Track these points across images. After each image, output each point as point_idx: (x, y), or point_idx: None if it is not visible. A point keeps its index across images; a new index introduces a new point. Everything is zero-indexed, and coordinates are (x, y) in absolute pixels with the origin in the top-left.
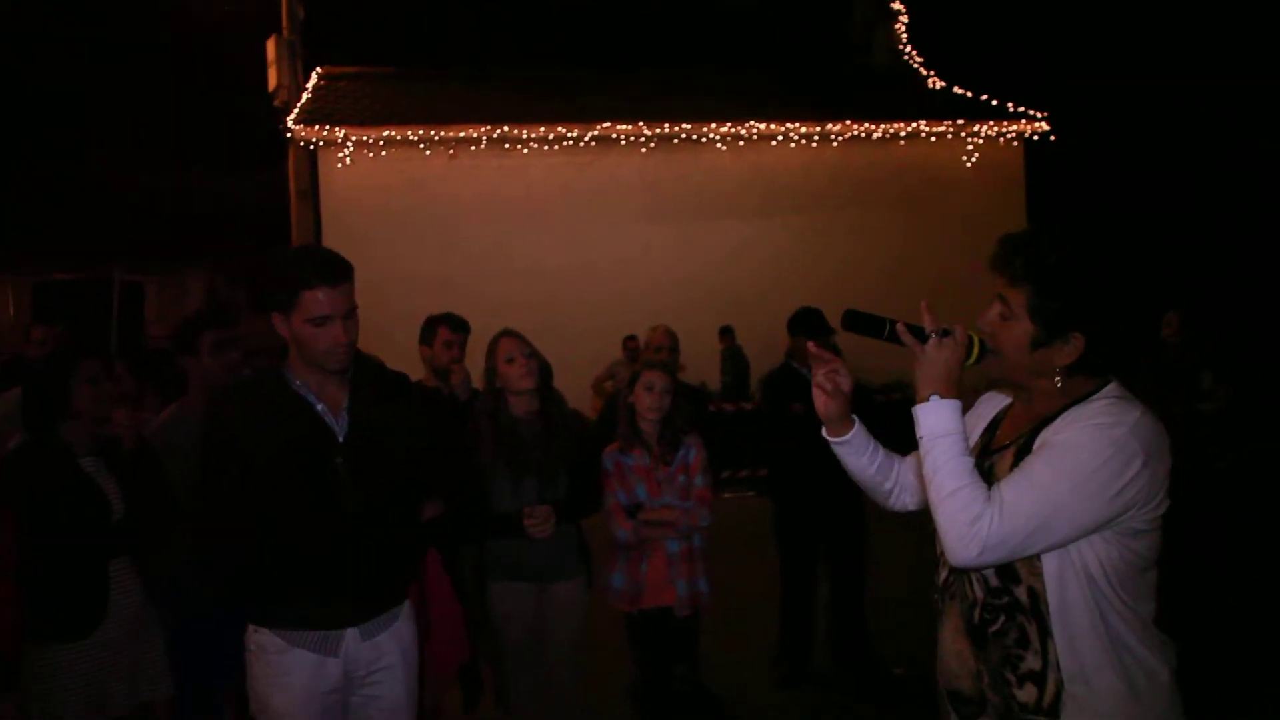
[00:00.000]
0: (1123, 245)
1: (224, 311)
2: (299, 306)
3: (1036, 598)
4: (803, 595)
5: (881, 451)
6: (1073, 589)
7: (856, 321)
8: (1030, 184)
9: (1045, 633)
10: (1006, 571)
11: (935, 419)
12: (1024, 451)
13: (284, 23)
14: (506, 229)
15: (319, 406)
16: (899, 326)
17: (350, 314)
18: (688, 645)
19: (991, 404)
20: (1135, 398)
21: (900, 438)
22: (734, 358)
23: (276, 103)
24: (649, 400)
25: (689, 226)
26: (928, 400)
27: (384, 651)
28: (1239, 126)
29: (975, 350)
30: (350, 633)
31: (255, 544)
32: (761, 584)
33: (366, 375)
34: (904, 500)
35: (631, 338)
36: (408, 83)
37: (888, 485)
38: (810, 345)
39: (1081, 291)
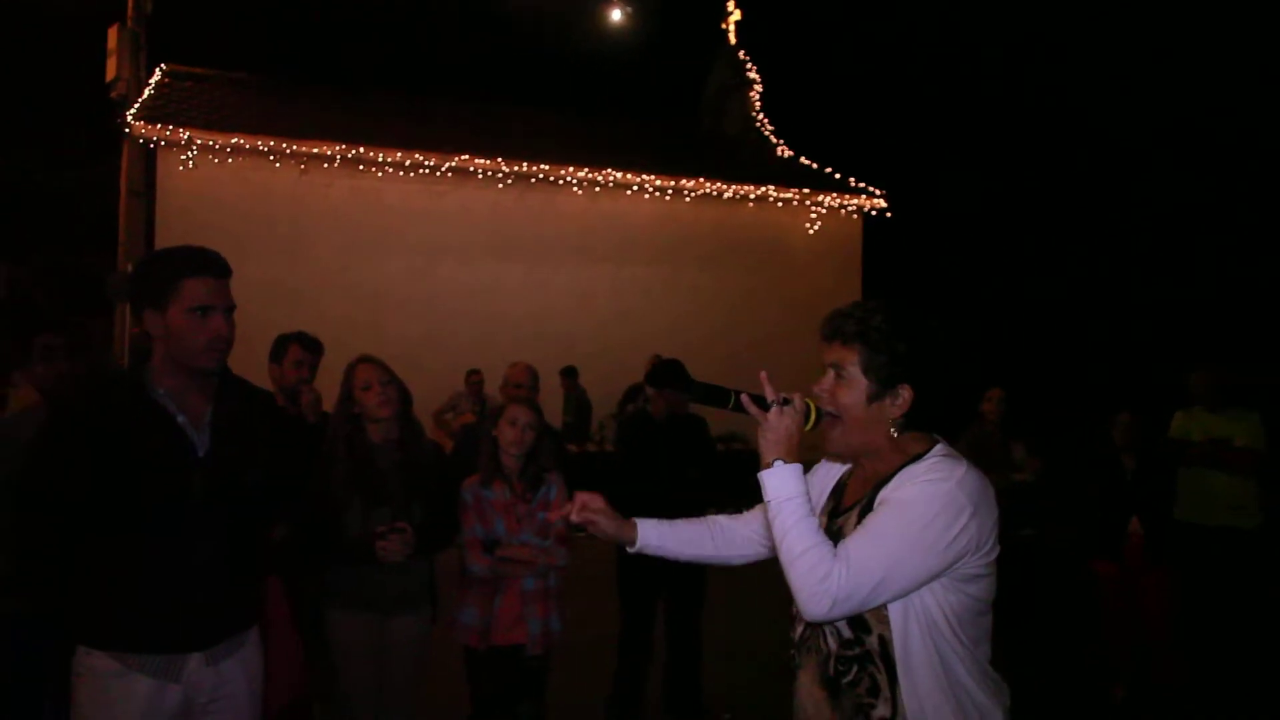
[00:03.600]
0: (939, 310)
1: (27, 308)
2: (179, 296)
3: (885, 645)
4: (640, 638)
5: (682, 527)
6: (916, 635)
7: (703, 392)
8: (866, 256)
9: (893, 680)
10: (858, 622)
11: (780, 483)
12: (867, 510)
13: (129, 12)
14: (354, 251)
15: (180, 418)
16: (743, 397)
17: (230, 311)
18: (536, 684)
19: (831, 471)
20: (960, 456)
21: (741, 486)
22: (578, 399)
23: (114, 94)
24: (512, 434)
25: (538, 266)
26: (772, 466)
27: (228, 679)
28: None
29: (813, 416)
30: (195, 657)
31: (93, 557)
32: (600, 626)
33: (231, 389)
34: (747, 552)
35: (475, 371)
36: (259, 91)
37: (712, 551)
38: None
39: (906, 344)
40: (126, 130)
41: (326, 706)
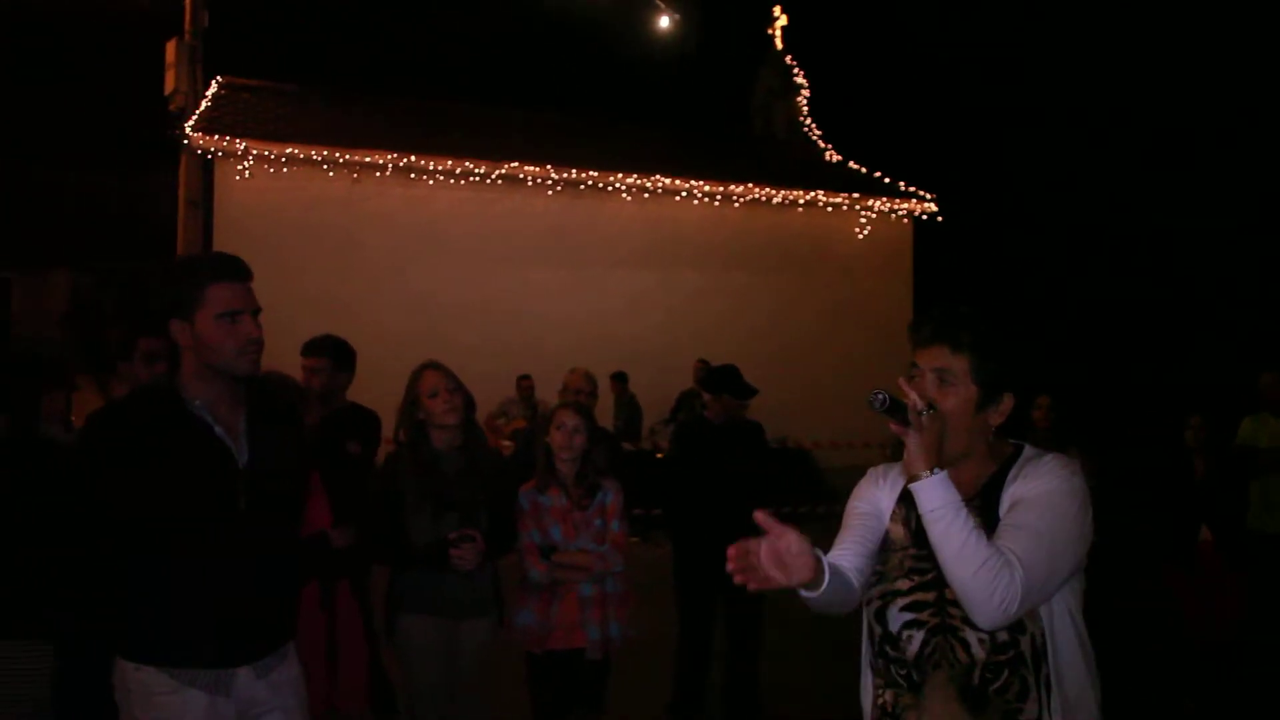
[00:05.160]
0: (1026, 321)
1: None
2: (206, 303)
3: (1036, 645)
4: (698, 644)
5: (844, 575)
6: (1059, 630)
7: (892, 406)
8: (917, 260)
9: (1040, 679)
10: (1015, 624)
11: (941, 493)
12: (987, 511)
13: (186, 26)
14: (406, 258)
15: (217, 429)
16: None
17: (258, 313)
18: (595, 689)
19: (888, 478)
20: None
21: (798, 488)
22: (629, 404)
23: (172, 107)
24: (560, 439)
25: (587, 271)
26: (928, 475)
27: (277, 688)
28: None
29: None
30: (244, 670)
31: (141, 573)
32: (658, 630)
33: (259, 396)
34: (855, 601)
35: (525, 376)
36: (312, 101)
37: (849, 597)
38: (759, 516)
39: (1015, 353)
40: (184, 141)
41: (391, 709)
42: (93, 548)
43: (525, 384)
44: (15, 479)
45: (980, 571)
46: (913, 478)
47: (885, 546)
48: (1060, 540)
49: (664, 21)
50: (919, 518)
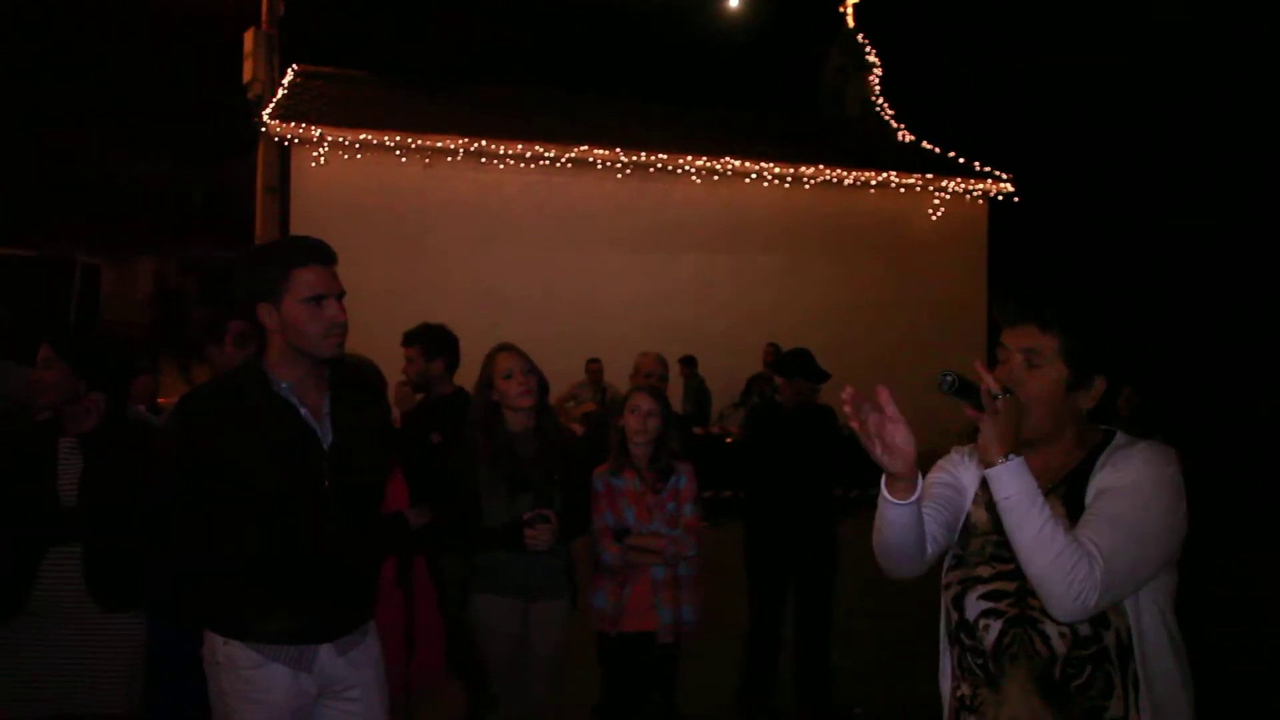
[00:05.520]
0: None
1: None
2: (291, 287)
3: (1121, 640)
4: (769, 629)
5: (922, 523)
6: (1148, 626)
7: (961, 388)
8: (992, 242)
9: (1126, 676)
10: (1098, 618)
11: (1016, 480)
12: (1071, 500)
13: (263, 15)
14: (476, 242)
15: (303, 411)
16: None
17: (342, 297)
18: (667, 673)
19: (973, 457)
20: None
21: (872, 474)
22: (697, 388)
23: (250, 96)
24: (635, 422)
25: (656, 254)
26: (1003, 461)
27: (358, 666)
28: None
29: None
30: (325, 648)
31: (228, 553)
32: (728, 615)
33: (343, 378)
34: (924, 563)
35: (594, 360)
36: (386, 88)
37: (920, 549)
38: (880, 392)
39: (1108, 334)
40: (262, 129)
41: (467, 686)
42: (184, 525)
43: (594, 368)
44: (112, 458)
45: (1056, 562)
46: (987, 463)
47: (967, 530)
48: (1148, 533)
49: (733, 1)
50: None
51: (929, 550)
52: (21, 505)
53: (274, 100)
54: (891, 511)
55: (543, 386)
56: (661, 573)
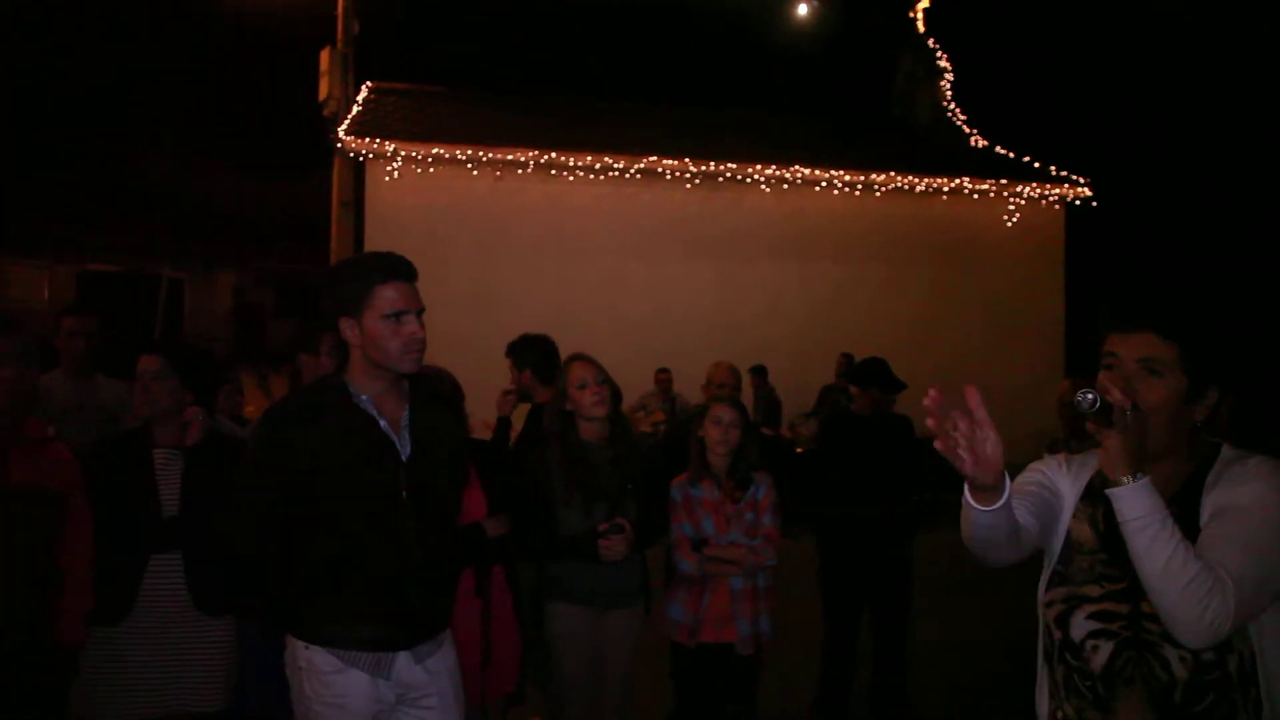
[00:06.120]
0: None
1: (251, 313)
2: (372, 304)
3: (1244, 664)
4: (844, 641)
5: (1015, 517)
6: (1272, 645)
7: (1102, 407)
8: (1070, 248)
9: (1249, 701)
10: (1222, 644)
11: (1145, 501)
12: (1185, 517)
13: (339, 35)
14: (547, 253)
15: (382, 423)
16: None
17: (421, 313)
18: (746, 684)
19: (1072, 467)
20: None
21: (948, 484)
22: (768, 398)
23: (326, 113)
24: (717, 433)
25: (726, 264)
26: (1130, 481)
27: (435, 674)
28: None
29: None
30: (402, 655)
31: (308, 559)
32: (801, 626)
33: (422, 390)
34: (1021, 552)
35: (663, 370)
36: (456, 103)
37: (1014, 542)
38: (970, 394)
39: (1227, 344)
40: (338, 145)
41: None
42: (269, 533)
43: (663, 377)
44: (212, 470)
45: (1190, 588)
46: (1112, 482)
47: (1069, 546)
48: (1271, 552)
49: (802, 9)
50: (1107, 519)
51: (1023, 541)
52: (127, 515)
53: (349, 117)
54: (979, 517)
55: (616, 396)
56: (740, 583)
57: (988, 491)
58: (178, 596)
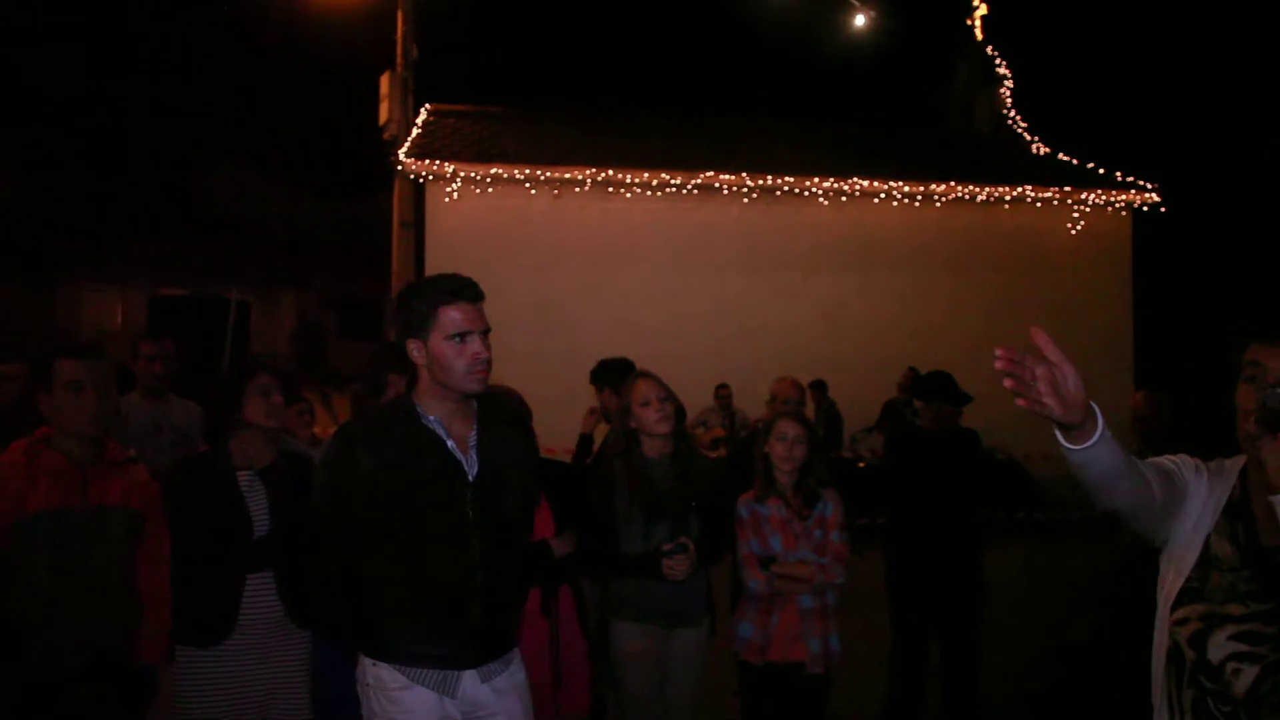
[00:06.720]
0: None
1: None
2: (438, 325)
3: None
4: (913, 658)
5: (1124, 450)
6: None
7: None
8: (1137, 255)
9: None
10: None
11: None
12: None
13: (398, 59)
14: (605, 270)
15: (449, 443)
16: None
17: (487, 334)
18: (816, 704)
19: (1208, 475)
20: None
21: (1016, 497)
22: (829, 412)
23: (386, 136)
24: (782, 450)
25: (785, 278)
26: None
27: (502, 694)
28: None
29: None
30: (468, 674)
31: (377, 577)
32: (868, 642)
33: (490, 410)
34: (1132, 498)
35: (723, 385)
36: (514, 123)
37: (1134, 475)
38: (1037, 334)
39: None
40: (399, 168)
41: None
42: (338, 552)
43: (723, 393)
44: (293, 489)
45: None
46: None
47: (1206, 562)
48: None
49: (859, 20)
50: (1249, 535)
51: (1142, 490)
52: (222, 536)
53: (409, 139)
54: (1079, 457)
55: (680, 412)
56: (810, 601)
57: (1080, 430)
58: (271, 613)
